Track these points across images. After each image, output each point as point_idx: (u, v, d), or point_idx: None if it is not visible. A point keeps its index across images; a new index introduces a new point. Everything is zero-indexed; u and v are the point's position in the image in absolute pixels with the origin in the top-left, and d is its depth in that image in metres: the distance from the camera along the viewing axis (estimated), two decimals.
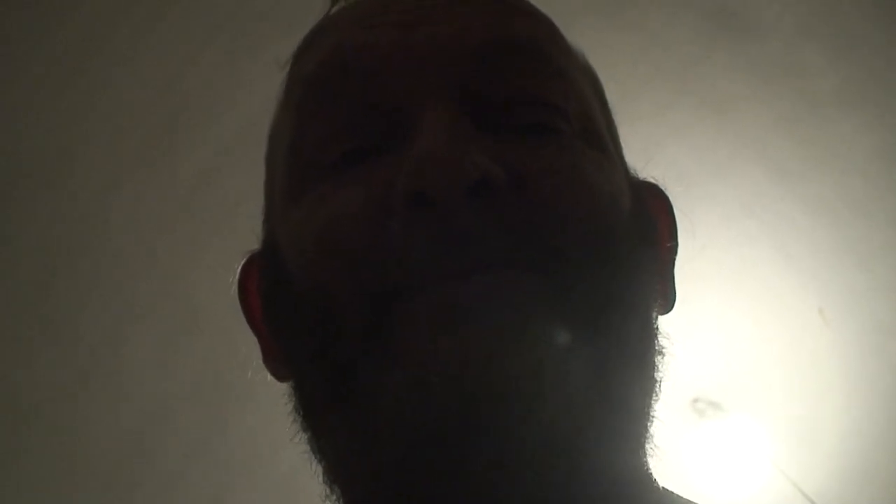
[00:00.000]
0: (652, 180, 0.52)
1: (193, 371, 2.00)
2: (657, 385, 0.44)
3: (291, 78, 0.49)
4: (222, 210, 1.80)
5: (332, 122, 0.44)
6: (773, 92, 1.86)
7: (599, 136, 0.46)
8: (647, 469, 0.44)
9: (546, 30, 0.48)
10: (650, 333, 0.44)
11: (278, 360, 0.48)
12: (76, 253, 1.89)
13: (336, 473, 0.43)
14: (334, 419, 0.41)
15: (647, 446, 0.43)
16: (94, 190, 1.84)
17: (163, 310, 1.97)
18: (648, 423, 0.43)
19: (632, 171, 0.50)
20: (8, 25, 1.64)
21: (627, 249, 0.42)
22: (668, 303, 0.49)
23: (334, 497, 0.43)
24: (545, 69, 0.45)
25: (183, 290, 1.91)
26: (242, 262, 0.52)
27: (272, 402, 0.46)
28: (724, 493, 2.28)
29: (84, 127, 1.77)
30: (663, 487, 0.46)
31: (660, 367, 0.44)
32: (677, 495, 0.46)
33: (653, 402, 0.43)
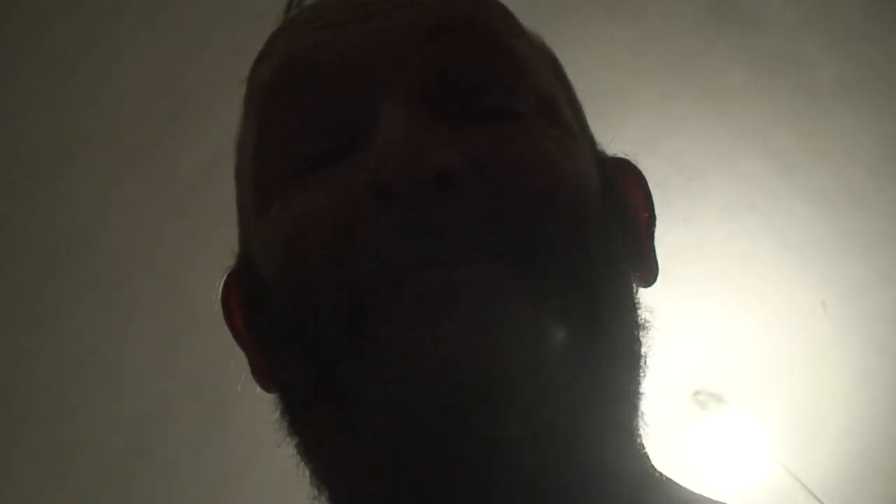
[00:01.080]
0: (622, 155, 0.51)
1: (193, 369, 2.00)
2: (643, 360, 0.43)
3: (250, 89, 0.49)
4: (222, 208, 1.79)
5: (293, 126, 0.44)
6: (773, 84, 1.86)
7: (560, 115, 0.46)
8: (641, 448, 0.44)
9: (496, 12, 0.48)
10: (629, 307, 0.43)
11: (265, 373, 0.48)
12: (75, 250, 1.89)
13: (323, 475, 0.42)
14: (319, 420, 0.40)
15: (636, 423, 0.43)
16: (94, 188, 1.84)
17: (162, 308, 1.97)
18: (636, 401, 0.43)
19: (600, 147, 0.49)
20: (8, 23, 1.64)
21: (598, 226, 0.42)
22: (650, 274, 0.49)
23: (323, 499, 0.43)
24: (498, 50, 0.45)
25: (183, 288, 1.91)
26: (223, 281, 0.52)
27: (272, 400, 0.46)
28: (725, 485, 2.28)
29: (83, 125, 1.76)
30: (658, 473, 0.45)
31: (644, 340, 0.43)
32: (672, 481, 0.46)
33: (640, 377, 0.43)
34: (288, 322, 0.41)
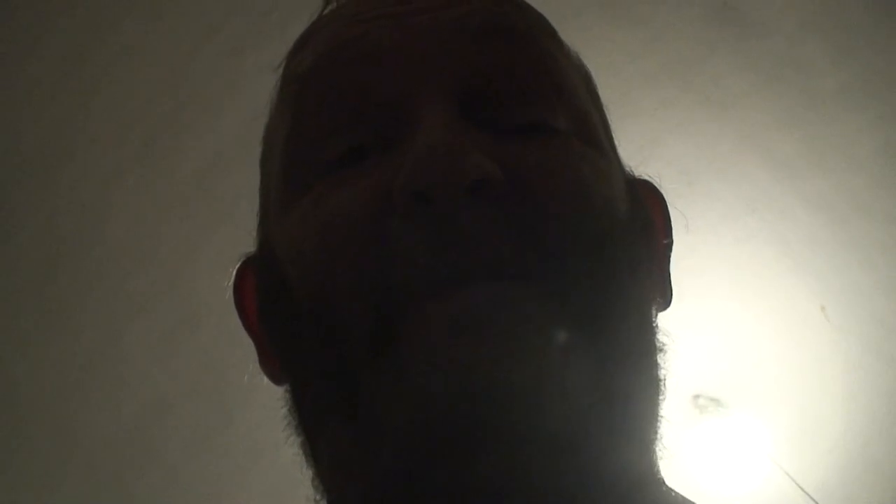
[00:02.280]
0: (647, 177, 0.51)
1: (195, 365, 2.00)
2: (661, 384, 0.43)
3: (286, 77, 0.48)
4: (223, 205, 1.80)
5: (329, 119, 0.43)
6: (775, 89, 1.86)
7: (595, 134, 0.46)
8: (657, 471, 0.44)
9: (540, 22, 0.47)
10: (650, 332, 0.43)
11: (275, 364, 0.47)
12: (77, 249, 1.90)
13: (329, 480, 0.42)
14: (334, 428, 0.40)
15: (655, 448, 0.43)
16: (95, 185, 1.84)
17: (164, 305, 1.97)
18: (655, 424, 0.42)
19: (627, 167, 0.49)
20: (10, 22, 1.64)
21: (625, 250, 0.41)
22: (665, 300, 0.49)
23: (323, 502, 0.42)
24: (541, 63, 0.44)
25: (184, 285, 1.92)
26: (237, 265, 0.51)
27: (274, 396, 0.46)
28: (725, 488, 2.28)
29: (85, 122, 1.77)
30: (673, 491, 0.45)
31: (662, 365, 0.43)
32: (685, 498, 0.46)
33: (658, 401, 0.43)
34: (309, 321, 0.40)
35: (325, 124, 0.43)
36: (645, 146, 1.84)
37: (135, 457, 2.12)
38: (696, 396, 2.25)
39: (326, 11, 0.49)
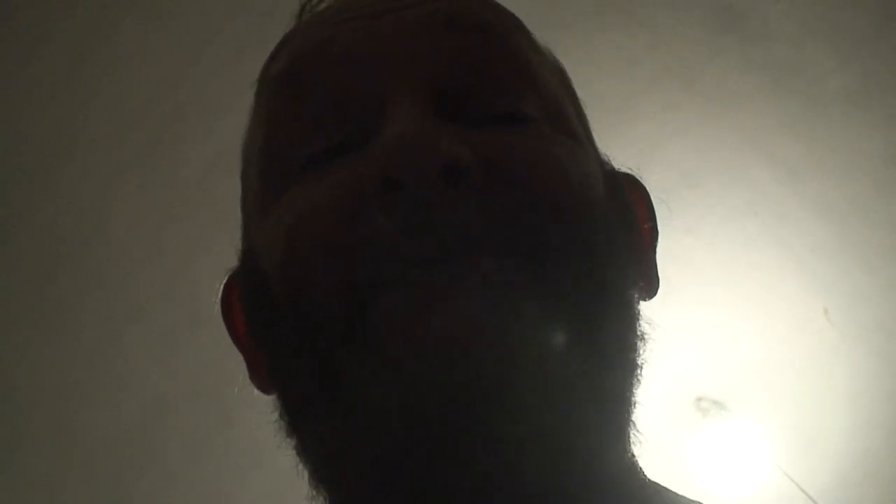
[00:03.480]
0: (627, 170, 0.51)
1: (195, 367, 2.00)
2: (639, 370, 0.43)
3: (260, 85, 0.49)
4: (224, 206, 1.80)
5: (302, 121, 0.43)
6: (778, 93, 1.86)
7: (568, 123, 0.46)
8: (632, 456, 0.44)
9: (509, 19, 0.48)
10: (630, 315, 0.43)
11: (263, 374, 0.48)
12: (78, 249, 1.90)
13: (322, 474, 0.42)
14: (318, 418, 0.40)
15: (631, 433, 0.43)
16: (96, 186, 1.84)
17: (164, 306, 1.97)
18: (631, 409, 0.42)
19: (605, 158, 0.49)
20: (12, 22, 1.65)
21: (603, 231, 0.41)
22: (651, 287, 0.48)
23: (321, 499, 0.42)
24: (510, 55, 0.45)
25: (185, 287, 1.92)
26: (223, 283, 0.51)
27: (272, 400, 0.46)
28: (727, 492, 2.28)
29: (85, 123, 1.77)
30: (650, 480, 0.45)
31: (641, 351, 0.43)
32: (663, 486, 0.46)
33: (635, 387, 0.42)
34: (288, 316, 0.40)
35: (297, 127, 0.44)
36: (647, 149, 1.84)
37: (135, 458, 2.12)
38: (699, 399, 2.25)
39: (302, 20, 0.50)
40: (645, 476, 0.45)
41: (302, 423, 0.42)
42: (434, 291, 0.36)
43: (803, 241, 2.03)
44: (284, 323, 0.41)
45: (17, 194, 1.81)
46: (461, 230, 0.38)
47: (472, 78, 0.43)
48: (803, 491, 2.27)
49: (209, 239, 1.81)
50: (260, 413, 0.47)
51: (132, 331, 1.99)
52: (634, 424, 0.43)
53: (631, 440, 0.43)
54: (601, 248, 0.41)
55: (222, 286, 0.51)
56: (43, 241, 1.87)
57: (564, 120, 0.46)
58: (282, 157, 0.44)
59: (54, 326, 1.96)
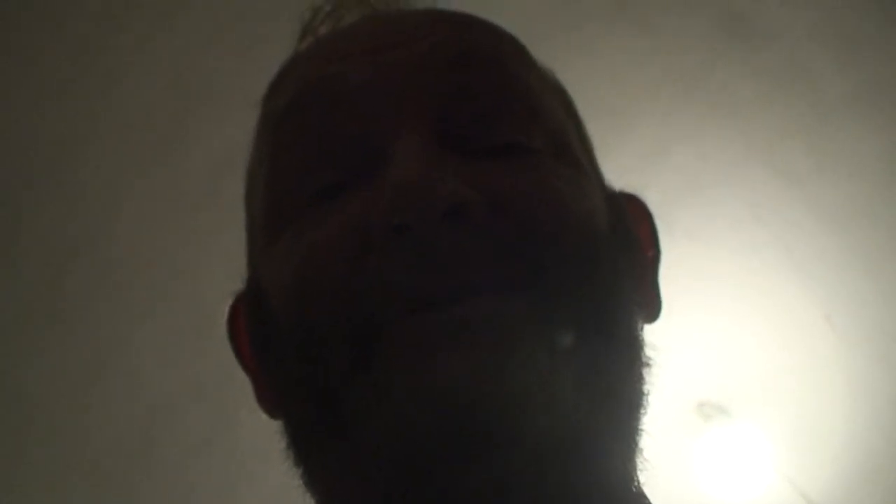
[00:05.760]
0: (629, 191, 0.52)
1: (202, 368, 2.00)
2: (645, 398, 0.43)
3: (264, 114, 0.49)
4: (232, 207, 1.80)
5: (307, 156, 0.44)
6: (781, 98, 1.86)
7: (571, 153, 0.46)
8: (637, 484, 0.44)
9: (511, 47, 0.48)
10: (637, 347, 0.43)
11: (270, 399, 0.48)
12: (85, 251, 1.90)
13: None
14: (325, 453, 0.41)
15: (637, 461, 0.43)
16: (104, 186, 1.85)
17: (172, 308, 1.97)
18: (638, 440, 0.42)
19: (608, 183, 0.50)
20: (19, 22, 1.65)
21: (608, 262, 0.42)
22: (653, 311, 0.49)
23: None
24: (512, 86, 0.45)
25: (193, 289, 1.92)
26: (230, 303, 0.52)
27: (278, 426, 0.46)
28: (729, 496, 2.27)
29: (93, 125, 1.77)
30: None
31: (647, 379, 0.43)
32: None
33: (641, 415, 0.43)
34: (294, 353, 0.41)
35: (302, 164, 0.44)
36: (650, 154, 1.84)
37: (141, 460, 2.12)
38: (701, 404, 2.25)
39: (299, 50, 0.51)
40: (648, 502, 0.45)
41: (307, 455, 0.43)
42: (438, 332, 0.37)
43: (806, 247, 2.03)
44: (291, 358, 0.41)
45: (24, 196, 1.82)
46: (465, 268, 0.38)
47: (477, 113, 0.43)
48: (805, 496, 2.27)
49: (217, 241, 1.81)
50: (267, 417, 0.47)
51: (139, 333, 1.99)
52: (641, 452, 0.43)
53: (636, 467, 0.43)
54: (606, 281, 0.41)
55: (229, 307, 0.52)
56: (50, 244, 1.88)
57: (567, 149, 0.46)
58: (287, 191, 0.44)
59: (61, 328, 1.96)
